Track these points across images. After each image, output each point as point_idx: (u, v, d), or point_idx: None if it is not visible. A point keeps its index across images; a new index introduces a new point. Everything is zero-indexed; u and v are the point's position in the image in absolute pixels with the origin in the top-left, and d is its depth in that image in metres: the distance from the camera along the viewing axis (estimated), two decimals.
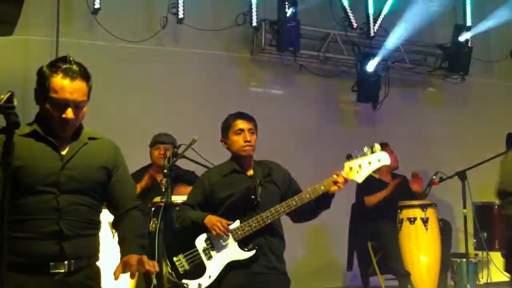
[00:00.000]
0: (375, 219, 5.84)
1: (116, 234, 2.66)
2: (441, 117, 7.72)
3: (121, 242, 2.59)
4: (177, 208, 3.87)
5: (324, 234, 6.89)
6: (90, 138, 2.60)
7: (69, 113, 2.44)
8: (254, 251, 3.63)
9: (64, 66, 2.44)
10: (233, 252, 3.64)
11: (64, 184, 2.44)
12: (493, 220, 6.10)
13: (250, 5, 6.95)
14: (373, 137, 6.61)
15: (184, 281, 3.62)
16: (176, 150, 4.69)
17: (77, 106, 2.45)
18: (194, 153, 4.53)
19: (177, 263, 3.66)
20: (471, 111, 7.83)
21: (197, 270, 3.63)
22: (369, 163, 3.56)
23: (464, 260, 5.71)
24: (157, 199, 4.64)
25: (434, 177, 6.05)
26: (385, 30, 7.50)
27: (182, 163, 4.86)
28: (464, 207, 5.45)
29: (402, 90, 7.78)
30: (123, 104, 6.27)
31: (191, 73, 6.69)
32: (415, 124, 7.59)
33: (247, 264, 3.62)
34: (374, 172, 3.68)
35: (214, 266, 3.63)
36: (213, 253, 3.65)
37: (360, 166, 3.55)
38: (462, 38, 7.62)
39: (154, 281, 4.17)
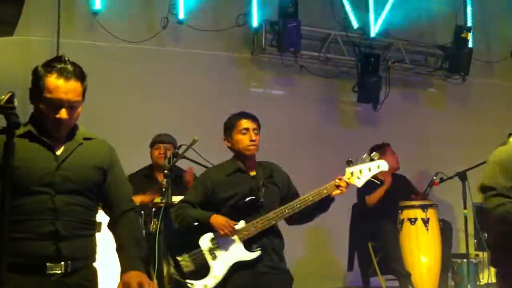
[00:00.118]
0: (375, 220, 5.84)
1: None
2: (442, 118, 7.72)
3: (120, 251, 2.57)
4: (176, 206, 3.83)
5: (324, 235, 6.89)
6: (85, 138, 2.59)
7: (63, 113, 2.42)
8: (259, 252, 3.63)
9: (59, 66, 2.43)
10: (239, 252, 3.63)
11: (59, 185, 2.44)
12: None
13: (251, 5, 6.95)
14: (374, 137, 6.66)
15: (188, 281, 3.59)
16: (176, 150, 4.69)
17: (71, 106, 2.44)
18: (194, 153, 4.54)
19: (181, 263, 3.63)
20: (472, 112, 7.83)
21: (202, 270, 3.61)
22: (369, 169, 3.77)
23: (465, 260, 5.70)
24: (158, 199, 4.65)
25: (434, 177, 6.05)
26: (385, 31, 7.50)
27: (182, 164, 4.88)
28: (465, 208, 5.44)
29: (402, 91, 7.78)
30: (123, 104, 6.27)
31: (191, 73, 6.69)
32: (416, 124, 7.59)
33: (252, 265, 3.62)
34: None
35: (220, 266, 3.61)
36: (218, 253, 3.63)
37: (360, 171, 3.75)
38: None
39: (155, 281, 4.16)
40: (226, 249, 3.63)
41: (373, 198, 5.84)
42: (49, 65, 2.44)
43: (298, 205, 3.64)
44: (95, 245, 2.60)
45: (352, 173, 3.73)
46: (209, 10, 6.88)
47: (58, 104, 2.41)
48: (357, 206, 6.11)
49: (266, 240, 3.68)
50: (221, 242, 3.64)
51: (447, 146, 7.50)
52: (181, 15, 6.63)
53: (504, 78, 8.07)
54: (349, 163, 3.76)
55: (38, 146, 2.46)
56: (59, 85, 2.40)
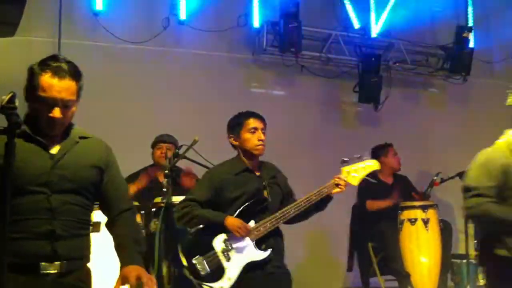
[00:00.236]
0: (375, 220, 5.85)
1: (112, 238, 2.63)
2: (443, 118, 7.72)
3: (119, 249, 2.56)
4: (181, 204, 3.77)
5: (324, 235, 6.89)
6: (81, 137, 2.57)
7: (57, 112, 2.41)
8: (269, 251, 3.65)
9: (54, 64, 2.42)
10: (250, 253, 3.64)
11: (55, 184, 2.43)
12: None
13: (252, 6, 6.96)
14: (375, 137, 6.67)
15: (205, 284, 3.57)
16: (177, 150, 4.70)
17: (65, 105, 2.42)
18: (195, 153, 4.55)
19: (197, 266, 3.59)
20: (473, 112, 7.83)
21: (217, 272, 3.58)
22: (363, 168, 3.87)
23: (465, 261, 5.71)
24: (158, 199, 4.65)
25: (435, 177, 6.06)
26: (386, 31, 7.50)
27: (183, 164, 4.88)
28: None
29: (403, 91, 7.78)
30: (124, 105, 6.27)
31: (192, 74, 6.69)
32: (417, 124, 7.59)
33: (262, 265, 3.64)
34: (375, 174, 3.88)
35: (233, 267, 3.59)
36: (231, 254, 3.61)
37: (355, 170, 3.84)
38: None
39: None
40: (239, 250, 3.63)
41: (374, 205, 5.88)
42: (44, 64, 2.44)
43: (303, 204, 3.69)
44: (90, 245, 2.60)
45: (348, 172, 3.82)
46: (210, 11, 6.89)
47: (52, 103, 2.40)
48: (357, 207, 6.12)
49: (272, 240, 3.71)
50: (234, 243, 3.63)
51: (448, 146, 7.50)
52: (182, 16, 6.64)
53: (505, 78, 8.04)
54: (344, 162, 3.86)
55: (33, 145, 2.45)
56: (53, 84, 2.39)
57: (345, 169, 3.81)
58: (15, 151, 2.25)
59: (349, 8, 7.33)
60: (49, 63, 2.43)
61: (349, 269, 6.09)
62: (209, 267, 3.59)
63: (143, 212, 4.74)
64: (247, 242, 3.64)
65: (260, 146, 3.78)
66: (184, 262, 3.62)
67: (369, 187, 5.90)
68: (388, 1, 7.48)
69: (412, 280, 5.54)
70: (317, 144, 7.02)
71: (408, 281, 5.54)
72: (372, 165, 3.90)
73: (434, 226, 5.66)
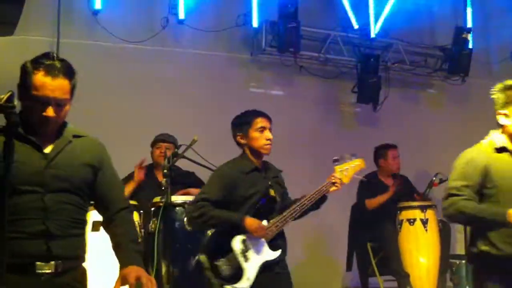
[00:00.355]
0: (374, 220, 5.85)
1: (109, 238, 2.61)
2: (441, 119, 7.73)
3: (117, 249, 2.54)
4: (194, 204, 3.71)
5: (323, 235, 6.89)
6: (74, 136, 2.55)
7: (50, 112, 2.39)
8: (280, 250, 3.67)
9: (47, 62, 2.39)
10: (265, 253, 3.65)
11: (49, 183, 2.41)
12: None
13: (251, 6, 6.96)
14: (373, 138, 6.67)
15: (228, 286, 3.56)
16: (176, 150, 4.70)
17: (58, 104, 2.40)
18: (194, 153, 4.55)
19: (221, 267, 3.58)
20: (471, 113, 7.82)
21: (236, 273, 3.58)
22: (353, 167, 3.92)
23: (463, 261, 5.71)
24: (157, 199, 4.65)
25: (434, 178, 6.06)
26: (385, 32, 7.51)
27: (182, 164, 4.88)
28: None
29: (402, 91, 7.78)
30: (123, 104, 6.27)
31: (191, 73, 6.69)
32: (415, 125, 7.59)
33: (271, 265, 3.65)
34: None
35: (251, 268, 3.59)
36: (249, 255, 3.60)
37: (347, 169, 3.89)
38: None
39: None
40: (256, 250, 3.62)
41: (373, 203, 5.88)
42: (37, 62, 2.41)
43: (306, 203, 3.72)
44: (86, 245, 2.58)
45: (341, 171, 3.87)
46: (209, 10, 6.89)
47: (45, 102, 2.38)
48: (356, 207, 6.12)
49: (280, 240, 3.73)
50: (252, 243, 3.63)
51: (446, 147, 7.45)
52: (181, 15, 6.63)
53: (503, 79, 7.98)
54: (335, 161, 3.92)
55: (26, 145, 2.42)
56: (46, 83, 2.37)
57: (338, 168, 3.87)
58: (14, 151, 2.25)
59: (348, 8, 7.33)
60: (42, 61, 2.40)
61: (348, 269, 6.09)
62: (231, 268, 3.58)
63: (142, 211, 4.73)
64: (262, 242, 3.65)
65: (268, 146, 3.78)
66: (207, 264, 3.61)
67: (370, 187, 5.92)
68: (387, 2, 7.49)
69: (411, 280, 5.54)
70: (315, 144, 7.01)
71: (407, 281, 5.54)
72: (359, 164, 3.95)
73: (433, 226, 5.66)
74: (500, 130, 3.23)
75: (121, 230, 2.58)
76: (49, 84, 2.37)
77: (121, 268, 2.46)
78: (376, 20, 7.45)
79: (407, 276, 5.56)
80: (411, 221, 5.67)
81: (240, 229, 3.59)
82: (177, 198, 4.64)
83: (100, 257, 3.96)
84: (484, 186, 3.12)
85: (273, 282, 3.66)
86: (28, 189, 2.37)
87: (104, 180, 2.59)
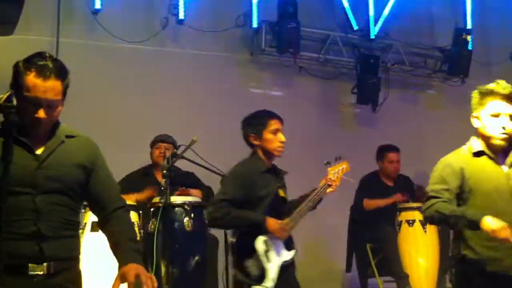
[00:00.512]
0: (374, 221, 5.85)
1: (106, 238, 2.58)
2: (441, 120, 7.72)
3: (115, 248, 2.52)
4: (216, 204, 3.71)
5: (322, 236, 6.89)
6: (67, 136, 2.52)
7: (41, 113, 2.36)
8: (295, 251, 3.73)
9: (39, 63, 2.35)
10: (283, 253, 3.69)
11: (40, 185, 2.39)
12: None
13: (250, 6, 6.95)
14: (373, 139, 6.67)
15: (258, 285, 3.59)
16: (175, 150, 4.70)
17: (50, 106, 2.38)
18: (193, 153, 4.54)
19: (249, 268, 3.61)
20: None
21: (262, 273, 3.60)
22: (342, 169, 3.96)
23: None
24: (156, 199, 4.64)
25: None
26: (385, 32, 7.51)
27: (181, 164, 4.88)
28: None
29: (402, 93, 7.78)
30: (122, 104, 6.26)
31: (191, 73, 6.69)
32: (415, 126, 7.59)
33: (286, 266, 3.69)
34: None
35: (274, 268, 3.62)
36: (271, 255, 3.63)
37: (338, 171, 3.93)
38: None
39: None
40: (276, 251, 3.66)
41: (371, 204, 5.90)
42: (29, 62, 2.37)
43: (311, 204, 3.76)
44: (79, 246, 2.57)
45: (333, 173, 3.90)
46: (209, 11, 6.89)
47: (36, 103, 2.35)
48: (355, 207, 6.12)
49: (290, 241, 3.77)
50: (272, 244, 3.65)
51: (446, 148, 7.42)
52: (181, 16, 6.63)
53: (503, 81, 8.06)
54: (327, 164, 3.95)
55: (18, 146, 2.37)
56: (38, 84, 2.34)
57: (331, 170, 3.90)
58: (13, 150, 2.24)
59: (348, 9, 7.32)
60: (34, 61, 2.37)
61: (348, 270, 6.10)
62: (257, 268, 3.60)
63: (141, 212, 4.73)
64: (280, 243, 3.68)
65: (281, 148, 3.80)
66: (236, 265, 3.66)
67: (369, 186, 5.92)
68: (386, 3, 7.48)
69: (410, 281, 5.54)
70: (315, 145, 7.01)
71: (407, 282, 5.54)
72: (346, 166, 3.99)
73: (432, 227, 5.65)
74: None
75: (118, 229, 2.55)
76: (40, 85, 2.34)
77: (120, 266, 2.44)
78: (376, 21, 7.45)
79: (406, 277, 5.56)
80: (410, 222, 5.67)
81: (261, 229, 3.60)
82: (176, 199, 4.64)
83: (99, 257, 3.96)
84: (462, 190, 3.16)
85: (291, 284, 3.73)
86: (19, 190, 2.34)
87: (98, 180, 2.57)
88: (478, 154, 3.22)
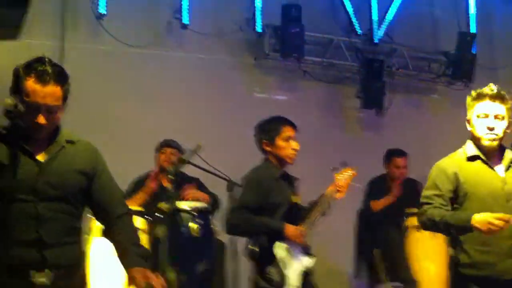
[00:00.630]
0: (381, 227, 5.84)
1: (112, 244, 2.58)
2: (445, 124, 7.70)
3: (121, 255, 2.52)
4: (234, 211, 3.74)
5: (329, 242, 6.86)
6: (68, 141, 2.52)
7: (41, 119, 2.36)
8: (315, 258, 3.74)
9: (39, 68, 2.35)
10: (304, 260, 3.71)
11: (42, 191, 2.38)
12: None
13: (254, 10, 6.96)
14: (377, 143, 6.65)
15: None
16: (181, 156, 4.69)
17: (49, 111, 2.37)
18: (198, 159, 4.53)
19: (271, 275, 3.62)
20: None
21: (283, 280, 3.62)
22: (350, 174, 4.00)
23: None
24: (162, 205, 4.63)
25: None
26: (389, 37, 7.51)
27: (187, 170, 4.87)
28: None
29: (406, 97, 7.77)
30: (126, 109, 6.26)
31: (195, 78, 6.68)
32: (419, 130, 7.57)
33: (309, 273, 3.71)
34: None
35: (294, 275, 3.64)
36: (291, 262, 3.65)
37: (345, 177, 3.97)
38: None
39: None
40: (296, 257, 3.68)
41: (378, 205, 5.88)
42: (29, 67, 2.37)
43: (322, 210, 3.82)
44: (82, 252, 2.57)
45: (340, 179, 3.96)
46: (213, 15, 6.88)
47: (36, 108, 2.34)
48: (362, 212, 6.09)
49: (307, 247, 3.79)
50: (292, 250, 3.67)
51: (450, 152, 7.42)
52: (185, 20, 6.63)
53: (508, 84, 7.98)
54: (334, 169, 4.01)
55: (19, 152, 2.37)
56: (37, 90, 2.33)
57: (338, 176, 3.94)
58: (19, 158, 2.24)
59: (351, 13, 7.32)
60: (34, 66, 2.36)
61: (356, 275, 6.08)
62: (279, 275, 3.61)
63: (148, 217, 4.71)
64: (300, 249, 3.70)
65: (293, 155, 3.80)
66: (258, 272, 3.67)
67: (375, 190, 5.90)
68: (390, 7, 7.49)
69: (419, 287, 5.51)
70: (319, 150, 6.99)
71: None
72: (353, 172, 4.03)
73: None
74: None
75: (123, 237, 2.55)
76: (40, 91, 2.34)
77: (127, 270, 2.45)
78: (380, 25, 7.45)
79: (415, 282, 5.53)
80: (418, 227, 5.64)
81: (281, 236, 3.59)
82: (183, 204, 4.64)
83: (106, 261, 3.96)
84: (457, 194, 3.18)
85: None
86: (21, 197, 2.34)
87: (100, 186, 2.56)
88: (472, 158, 3.23)
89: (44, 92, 2.34)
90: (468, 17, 7.93)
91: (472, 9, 7.94)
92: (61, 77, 2.40)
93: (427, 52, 7.81)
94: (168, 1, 6.67)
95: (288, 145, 3.81)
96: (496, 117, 3.17)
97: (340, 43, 7.34)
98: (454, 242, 3.21)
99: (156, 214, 4.64)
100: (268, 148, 3.83)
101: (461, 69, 7.64)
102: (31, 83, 2.34)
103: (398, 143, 6.41)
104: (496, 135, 3.17)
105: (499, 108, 3.18)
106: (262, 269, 3.63)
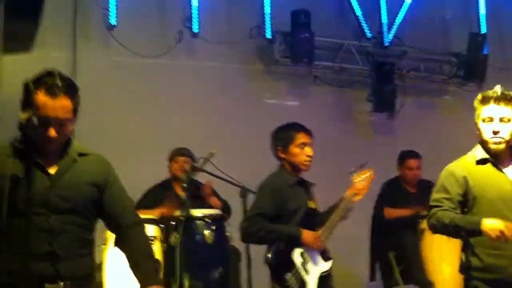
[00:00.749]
0: (395, 230, 5.81)
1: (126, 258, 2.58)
2: (458, 125, 7.66)
3: (134, 268, 2.52)
4: (250, 219, 3.75)
5: (344, 244, 6.84)
6: (80, 154, 2.53)
7: (52, 132, 2.36)
8: (332, 260, 3.73)
9: (49, 82, 2.35)
10: (321, 264, 3.70)
11: (54, 205, 2.39)
12: None
13: (264, 17, 6.98)
14: (390, 146, 6.64)
15: None
16: (194, 164, 4.72)
17: (60, 124, 2.38)
18: (211, 166, 4.55)
19: (289, 282, 3.62)
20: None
21: (301, 286, 3.62)
22: (368, 176, 3.96)
23: None
24: (177, 212, 4.66)
25: None
26: (399, 39, 7.50)
27: (200, 178, 4.90)
28: None
29: (417, 99, 7.74)
30: (139, 118, 6.30)
31: (206, 86, 6.71)
32: (432, 132, 7.53)
33: (325, 277, 3.70)
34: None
35: (312, 280, 3.63)
36: (309, 267, 3.64)
37: (363, 179, 3.93)
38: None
39: None
40: (314, 262, 3.68)
41: (392, 213, 5.85)
42: (38, 81, 2.37)
43: (342, 214, 3.78)
44: (94, 263, 2.59)
45: (358, 182, 3.92)
46: (222, 23, 6.93)
47: (46, 122, 2.35)
48: (376, 216, 6.07)
49: (326, 251, 3.78)
50: (309, 256, 3.67)
51: (463, 154, 7.39)
52: (195, 29, 6.68)
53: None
54: (352, 172, 3.98)
55: (28, 164, 2.36)
56: (47, 103, 2.33)
57: (355, 178, 3.91)
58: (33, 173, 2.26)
59: (361, 17, 7.32)
60: (44, 79, 2.36)
61: (372, 279, 6.06)
62: (297, 281, 3.61)
63: (163, 225, 4.74)
64: (317, 254, 3.70)
65: (308, 162, 3.80)
66: (276, 279, 3.67)
67: (388, 194, 5.87)
68: (399, 9, 7.48)
69: None
70: (331, 154, 6.97)
71: None
72: (371, 174, 3.99)
73: None
74: None
75: (135, 248, 2.56)
76: (50, 104, 2.34)
77: (142, 285, 2.46)
78: (389, 28, 7.44)
79: (431, 285, 5.49)
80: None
81: (297, 242, 3.60)
82: (197, 212, 4.66)
83: (122, 270, 3.98)
84: (466, 198, 3.17)
85: None
86: (33, 210, 2.34)
87: (111, 197, 2.57)
88: (482, 161, 3.23)
89: (54, 105, 2.35)
90: (479, 18, 7.90)
91: (482, 9, 7.90)
92: (71, 89, 2.40)
93: (438, 54, 7.78)
94: (178, 10, 6.72)
95: (302, 152, 3.81)
96: (501, 120, 3.16)
97: (350, 47, 7.35)
98: (465, 246, 3.21)
99: (170, 221, 4.67)
100: (283, 155, 3.84)
101: (473, 70, 7.61)
102: (41, 96, 2.34)
103: (410, 146, 6.38)
104: (502, 138, 3.16)
105: (504, 111, 3.16)
106: (279, 276, 3.62)
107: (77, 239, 2.46)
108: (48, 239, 2.37)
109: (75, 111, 2.43)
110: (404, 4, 7.49)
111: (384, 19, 7.43)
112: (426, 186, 6.10)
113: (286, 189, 3.74)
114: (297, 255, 3.63)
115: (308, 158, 3.81)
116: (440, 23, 7.91)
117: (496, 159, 3.21)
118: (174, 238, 4.49)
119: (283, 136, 3.86)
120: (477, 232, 3.01)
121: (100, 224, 2.67)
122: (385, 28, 7.41)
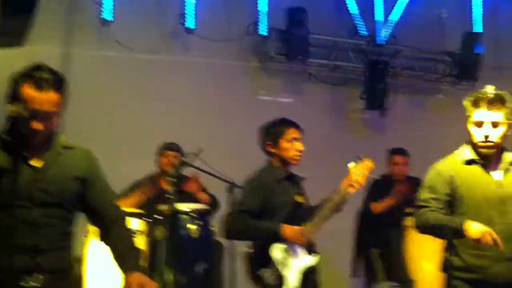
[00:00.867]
0: (380, 226, 5.84)
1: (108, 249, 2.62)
2: (450, 124, 7.67)
3: (118, 259, 2.56)
4: (232, 215, 3.74)
5: (327, 241, 6.86)
6: (64, 148, 2.55)
7: (37, 124, 2.38)
8: (319, 255, 3.72)
9: (36, 75, 2.38)
10: (305, 259, 3.68)
11: (37, 198, 2.40)
12: None
13: (259, 14, 6.99)
14: (382, 144, 6.66)
15: None
16: (182, 158, 4.72)
17: (46, 117, 2.39)
18: (201, 161, 4.56)
19: (266, 277, 3.60)
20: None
21: (280, 282, 3.60)
22: (367, 167, 3.87)
23: None
24: (163, 207, 4.66)
25: None
26: (394, 38, 7.52)
27: (190, 173, 4.91)
28: None
29: (410, 97, 7.78)
30: (133, 115, 6.32)
31: (201, 82, 6.73)
32: (424, 131, 7.56)
33: (310, 272, 3.70)
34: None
35: (294, 275, 3.62)
36: (289, 262, 3.63)
37: (361, 170, 3.84)
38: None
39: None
40: (296, 257, 3.66)
41: (379, 207, 5.87)
42: (26, 74, 2.39)
43: (334, 207, 3.76)
44: (74, 256, 2.61)
45: (356, 173, 3.84)
46: (218, 20, 6.93)
47: (33, 115, 2.37)
48: (362, 212, 6.09)
49: (312, 245, 3.78)
50: (292, 251, 3.65)
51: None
52: (191, 25, 6.68)
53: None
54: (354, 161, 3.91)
55: (15, 157, 2.39)
56: (35, 96, 2.35)
57: (352, 169, 3.85)
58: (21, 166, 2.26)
59: (356, 15, 7.34)
60: (31, 73, 2.39)
61: (353, 274, 6.08)
62: (275, 277, 3.59)
63: (148, 219, 4.75)
64: (300, 249, 3.68)
65: (298, 157, 3.81)
66: (251, 275, 3.66)
67: (376, 189, 5.90)
68: (394, 8, 7.50)
69: (416, 287, 5.51)
70: (324, 151, 7.00)
71: None
72: (370, 164, 3.92)
73: None
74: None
75: (119, 241, 2.59)
76: (37, 97, 2.35)
77: (124, 276, 2.49)
78: (384, 26, 7.46)
79: (412, 282, 5.53)
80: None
81: (278, 237, 3.60)
82: (182, 206, 4.66)
83: (104, 262, 3.99)
84: (453, 198, 3.19)
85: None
86: (16, 203, 2.36)
87: (95, 192, 2.60)
88: (469, 162, 3.25)
89: (42, 98, 2.36)
90: (474, 17, 7.91)
91: (478, 9, 7.92)
92: (58, 83, 2.42)
93: (432, 53, 7.80)
94: (173, 7, 6.74)
95: (292, 146, 3.82)
96: (492, 124, 3.17)
97: (345, 45, 7.38)
98: (448, 246, 3.23)
99: (155, 215, 4.68)
100: (272, 150, 3.84)
101: (467, 69, 7.63)
102: (28, 90, 2.36)
103: (402, 144, 6.42)
104: (492, 142, 3.18)
105: (496, 115, 3.17)
106: (255, 272, 3.63)
107: (58, 232, 2.49)
108: (31, 232, 2.39)
109: (62, 104, 2.44)
110: (398, 2, 7.51)
111: (379, 17, 7.44)
112: (414, 183, 6.15)
113: (273, 184, 3.74)
114: (277, 250, 3.62)
115: (299, 153, 3.82)
116: (435, 22, 7.93)
117: (485, 160, 3.22)
118: (159, 232, 4.51)
119: (273, 131, 3.87)
120: (460, 234, 3.04)
121: (82, 216, 2.69)
122: (379, 27, 7.43)
